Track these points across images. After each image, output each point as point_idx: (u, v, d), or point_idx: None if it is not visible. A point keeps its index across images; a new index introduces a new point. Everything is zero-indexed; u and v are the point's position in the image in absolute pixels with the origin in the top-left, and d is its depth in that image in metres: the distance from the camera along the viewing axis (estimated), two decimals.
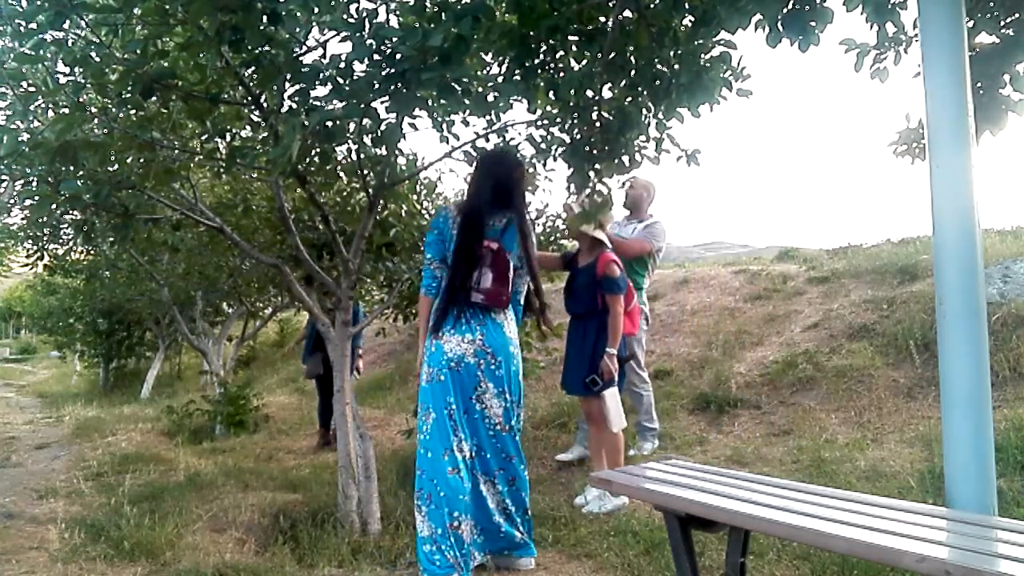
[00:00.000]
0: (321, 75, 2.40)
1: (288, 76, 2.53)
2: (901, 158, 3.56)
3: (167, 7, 2.30)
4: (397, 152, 3.60)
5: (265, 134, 3.10)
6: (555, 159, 3.38)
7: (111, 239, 4.55)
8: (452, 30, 2.04)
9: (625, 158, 3.05)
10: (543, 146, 3.39)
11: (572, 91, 2.83)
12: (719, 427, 4.69)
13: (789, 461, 3.86)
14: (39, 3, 2.24)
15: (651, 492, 2.12)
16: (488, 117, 3.34)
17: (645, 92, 2.95)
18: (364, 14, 2.27)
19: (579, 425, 4.56)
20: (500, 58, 2.87)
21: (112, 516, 3.55)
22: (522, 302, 3.08)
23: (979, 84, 2.84)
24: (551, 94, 2.96)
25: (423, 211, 4.44)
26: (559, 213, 4.63)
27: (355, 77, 2.30)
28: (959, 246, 1.85)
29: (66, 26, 2.54)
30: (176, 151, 3.16)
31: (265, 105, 2.85)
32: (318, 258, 4.15)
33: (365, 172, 3.45)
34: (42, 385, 15.92)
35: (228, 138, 3.33)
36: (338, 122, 2.52)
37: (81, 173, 3.02)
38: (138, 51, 2.40)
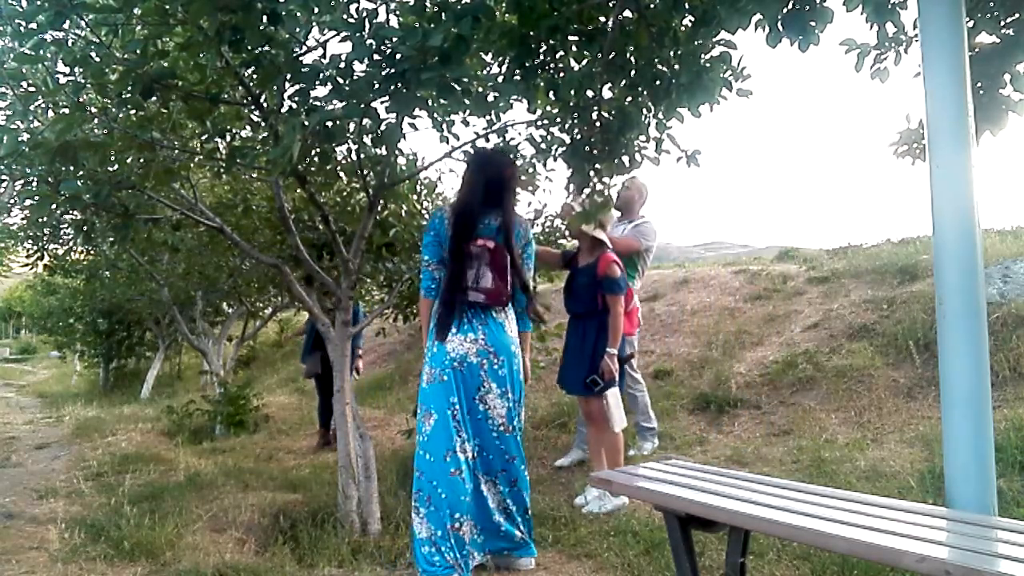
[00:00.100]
0: (321, 75, 2.40)
1: (288, 76, 2.53)
2: (902, 159, 3.56)
3: (167, 7, 2.30)
4: (397, 152, 3.60)
5: (265, 134, 3.10)
6: (555, 159, 3.38)
7: (111, 239, 4.55)
8: (452, 30, 2.05)
9: (625, 158, 3.06)
10: (543, 146, 3.39)
11: (572, 91, 2.83)
12: (719, 427, 4.69)
13: (789, 461, 3.86)
14: (39, 3, 2.24)
15: (651, 492, 2.12)
16: (488, 117, 3.34)
17: (645, 92, 2.95)
18: (364, 14, 2.27)
19: (577, 427, 4.56)
20: (500, 58, 2.88)
21: (112, 516, 3.55)
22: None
23: (979, 84, 2.84)
24: (551, 94, 2.96)
25: (423, 211, 4.44)
26: (558, 213, 4.63)
27: (355, 77, 2.30)
28: (959, 246, 1.85)
29: (66, 26, 2.54)
30: (176, 151, 3.16)
31: (265, 105, 2.85)
32: (318, 258, 4.15)
33: (365, 172, 3.45)
34: (42, 385, 15.93)
35: (228, 138, 3.33)
36: (338, 122, 2.52)
37: (81, 173, 3.02)
38: (138, 51, 2.40)
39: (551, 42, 2.80)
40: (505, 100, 3.10)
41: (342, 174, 3.65)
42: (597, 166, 3.07)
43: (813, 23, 2.51)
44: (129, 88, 2.47)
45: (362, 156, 3.33)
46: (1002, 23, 2.83)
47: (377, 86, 2.23)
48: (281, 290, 7.33)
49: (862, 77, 3.29)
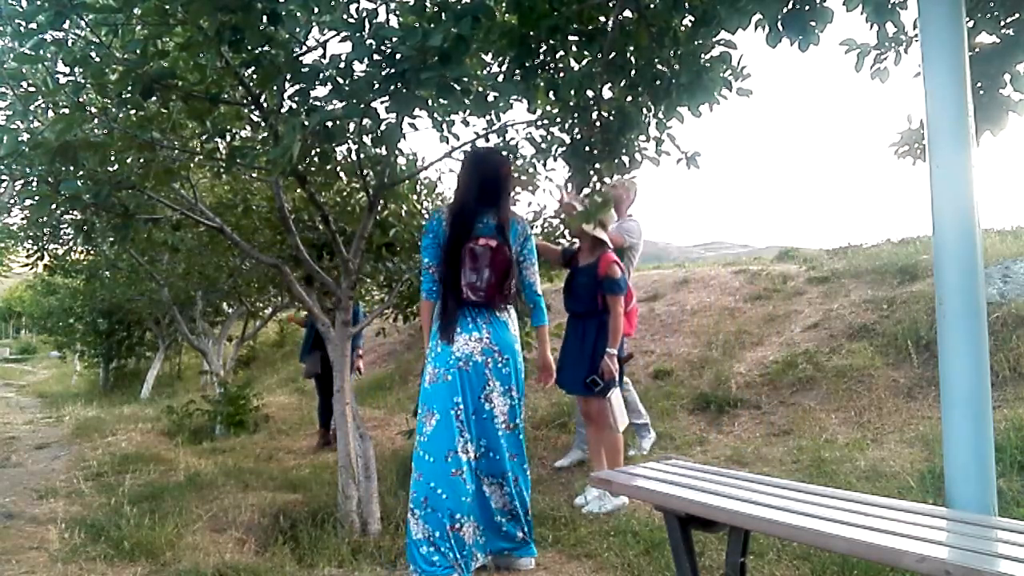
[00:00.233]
0: (321, 75, 2.40)
1: (288, 76, 2.53)
2: (903, 159, 3.56)
3: (167, 7, 2.30)
4: (397, 152, 3.60)
5: (265, 134, 3.10)
6: (555, 159, 3.38)
7: (111, 239, 4.55)
8: (452, 30, 2.04)
9: (625, 158, 3.06)
10: (543, 146, 3.39)
11: (572, 91, 2.83)
12: (719, 427, 4.69)
13: (789, 461, 3.86)
14: (39, 3, 2.24)
15: (651, 492, 2.12)
16: (488, 117, 3.34)
17: (645, 92, 2.95)
18: (364, 14, 2.27)
19: (576, 428, 4.56)
20: (500, 58, 2.87)
21: (112, 516, 3.55)
22: (540, 291, 3.05)
23: (979, 84, 2.84)
24: (551, 94, 2.96)
25: (423, 211, 4.44)
26: (556, 212, 4.63)
27: (355, 77, 2.30)
28: (959, 246, 1.85)
29: (66, 26, 2.54)
30: (176, 151, 3.16)
31: (265, 105, 2.85)
32: (318, 258, 4.15)
33: (365, 172, 3.45)
34: (42, 385, 15.93)
35: (228, 138, 3.33)
36: (338, 122, 2.52)
37: (81, 173, 3.02)
38: (138, 51, 2.40)
39: (551, 42, 2.80)
40: (505, 100, 3.09)
41: (342, 174, 3.65)
42: (597, 166, 3.07)
43: (813, 23, 2.51)
44: (129, 88, 2.47)
45: (362, 156, 3.33)
46: (1002, 23, 2.83)
47: (377, 86, 2.23)
48: (281, 290, 7.33)
49: (862, 77, 3.29)
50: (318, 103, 2.43)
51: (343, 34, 2.34)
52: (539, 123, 3.42)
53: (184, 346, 12.73)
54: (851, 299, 5.84)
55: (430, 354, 2.85)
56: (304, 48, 2.62)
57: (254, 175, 4.03)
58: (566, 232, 4.57)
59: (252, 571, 2.84)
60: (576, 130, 3.17)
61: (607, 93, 3.02)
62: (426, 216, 4.36)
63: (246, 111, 2.99)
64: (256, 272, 6.47)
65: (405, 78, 2.15)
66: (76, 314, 13.08)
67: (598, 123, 2.98)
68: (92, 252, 7.73)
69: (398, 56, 2.14)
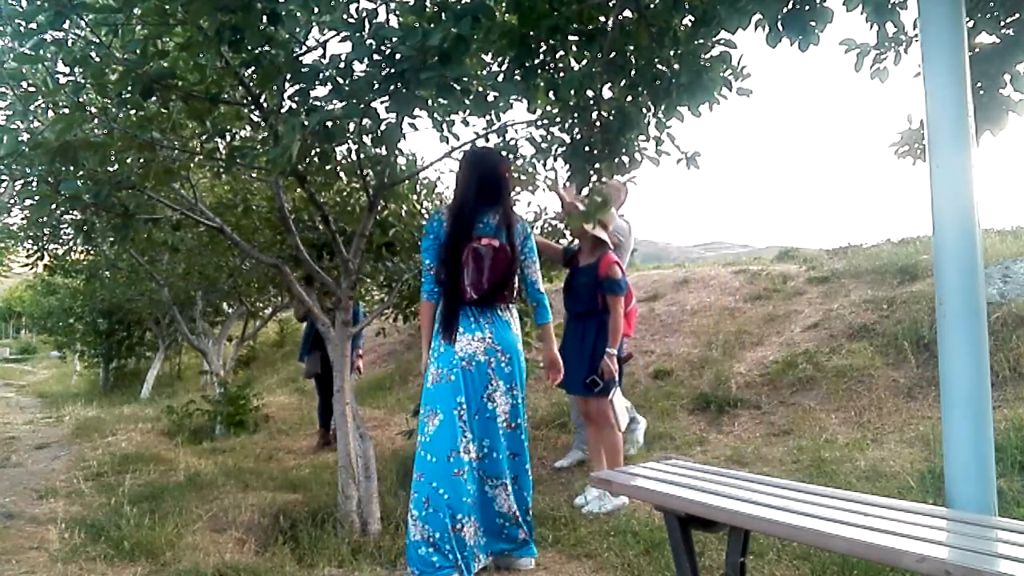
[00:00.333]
0: (321, 75, 2.40)
1: (288, 76, 2.53)
2: (903, 159, 3.56)
3: (167, 7, 2.30)
4: (397, 152, 3.60)
5: (265, 134, 3.10)
6: (555, 159, 3.38)
7: (111, 239, 4.55)
8: (452, 30, 2.04)
9: (625, 158, 3.05)
10: (543, 146, 3.39)
11: (572, 91, 2.83)
12: (719, 427, 4.69)
13: (789, 461, 3.86)
14: (39, 3, 2.24)
15: (651, 492, 2.12)
16: (488, 117, 3.34)
17: (645, 92, 2.95)
18: (364, 14, 2.27)
19: (576, 428, 4.56)
20: (500, 58, 2.87)
21: (112, 516, 3.55)
22: (542, 290, 3.06)
23: (979, 84, 2.84)
24: (551, 94, 2.96)
25: (423, 211, 4.44)
26: (556, 213, 4.63)
27: (355, 77, 2.29)
28: (959, 246, 1.85)
29: (66, 26, 2.54)
30: (176, 151, 3.16)
31: (265, 105, 2.85)
32: (318, 258, 4.15)
33: (365, 172, 3.45)
34: (42, 385, 15.92)
35: (228, 138, 3.33)
36: (338, 122, 2.52)
37: (81, 173, 3.02)
38: (138, 51, 2.40)
39: (551, 42, 2.80)
40: (505, 100, 3.09)
41: (342, 174, 3.65)
42: (597, 166, 3.07)
43: (813, 23, 2.51)
44: (129, 88, 2.47)
45: (362, 156, 3.33)
46: (1002, 23, 2.83)
47: (377, 86, 2.23)
48: (281, 290, 7.34)
49: (862, 77, 3.29)
50: (318, 103, 2.43)
51: (343, 34, 2.34)
52: (539, 123, 3.42)
53: (184, 346, 12.73)
54: (851, 299, 5.84)
55: (433, 354, 2.85)
56: (304, 48, 2.61)
57: (254, 175, 4.03)
58: (567, 233, 4.57)
59: (252, 571, 2.84)
60: (576, 130, 3.16)
61: (607, 93, 3.02)
62: (426, 216, 4.36)
63: (246, 111, 2.99)
64: (256, 272, 6.47)
65: (405, 78, 2.15)
66: (76, 314, 13.08)
67: (598, 123, 2.98)
68: (92, 252, 7.73)
69: (398, 56, 2.14)
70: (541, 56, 2.84)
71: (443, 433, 2.73)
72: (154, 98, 2.55)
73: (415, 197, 4.44)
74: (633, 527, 3.14)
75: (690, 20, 2.75)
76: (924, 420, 4.02)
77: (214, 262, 6.32)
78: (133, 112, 2.84)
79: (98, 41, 2.57)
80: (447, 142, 3.51)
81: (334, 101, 2.35)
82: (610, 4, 2.71)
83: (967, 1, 2.48)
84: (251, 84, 2.73)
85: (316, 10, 2.42)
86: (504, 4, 2.75)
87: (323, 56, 2.58)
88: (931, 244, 1.97)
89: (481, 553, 2.77)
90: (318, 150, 2.82)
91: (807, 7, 2.50)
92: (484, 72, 3.07)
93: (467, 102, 2.74)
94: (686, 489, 2.07)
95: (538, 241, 3.34)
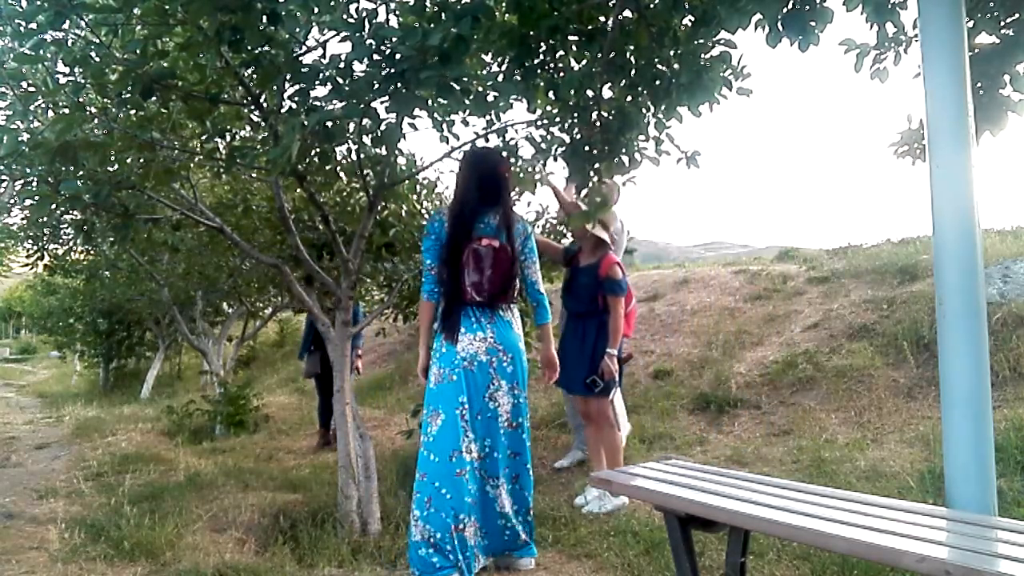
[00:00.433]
0: (321, 75, 2.40)
1: (288, 76, 2.53)
2: (902, 159, 3.56)
3: (167, 7, 2.30)
4: (397, 152, 3.60)
5: (265, 134, 3.10)
6: (555, 159, 3.38)
7: (111, 239, 4.55)
8: (452, 30, 2.04)
9: (625, 158, 3.05)
10: (543, 146, 3.39)
11: (572, 91, 2.83)
12: (719, 427, 4.69)
13: (789, 461, 3.86)
14: (39, 3, 2.24)
15: (651, 492, 2.12)
16: (488, 117, 3.34)
17: (645, 92, 2.95)
18: (364, 14, 2.27)
19: (575, 428, 4.56)
20: (500, 58, 2.87)
21: (112, 516, 3.55)
22: (542, 290, 3.06)
23: (979, 84, 2.84)
24: (551, 94, 2.96)
25: (423, 211, 4.44)
26: (557, 213, 4.63)
27: (355, 77, 2.30)
28: (959, 246, 1.85)
29: (66, 26, 2.54)
30: (176, 151, 3.16)
31: (265, 105, 2.85)
32: (318, 258, 4.15)
33: (365, 172, 3.45)
34: (42, 385, 15.92)
35: (228, 138, 3.33)
36: (338, 122, 2.52)
37: (81, 173, 3.02)
38: (138, 51, 2.40)
39: (551, 42, 2.80)
40: (505, 100, 3.09)
41: (342, 174, 3.65)
42: (597, 166, 3.06)
43: (813, 23, 2.51)
44: (129, 88, 2.47)
45: (362, 156, 3.33)
46: (1002, 23, 2.83)
47: (377, 86, 2.23)
48: (281, 290, 7.33)
49: (862, 77, 3.29)
50: (318, 103, 2.43)
51: (343, 34, 2.34)
52: (539, 123, 3.42)
53: (184, 346, 12.73)
54: (851, 299, 5.84)
55: (435, 354, 2.86)
56: (304, 48, 2.62)
57: (254, 175, 4.03)
58: (567, 234, 4.57)
59: (252, 571, 2.84)
60: (576, 130, 3.16)
61: (607, 93, 3.02)
62: (426, 216, 4.36)
63: (246, 111, 2.99)
64: (256, 272, 6.47)
65: (405, 78, 2.15)
66: (76, 314, 13.07)
67: (598, 123, 2.98)
68: (92, 252, 7.73)
69: (398, 56, 2.14)
70: (541, 56, 2.84)
71: (445, 433, 2.73)
72: (154, 98, 2.55)
73: (415, 197, 4.44)
74: (633, 527, 3.14)
75: (690, 20, 2.75)
76: (924, 420, 4.02)
77: (214, 262, 6.32)
78: (133, 112, 2.84)
79: (98, 41, 2.57)
80: (447, 142, 3.51)
81: (334, 101, 2.35)
82: (610, 4, 2.71)
83: (967, 1, 2.48)
84: (251, 84, 2.73)
85: (316, 10, 2.42)
86: (504, 4, 2.75)
87: (323, 56, 2.59)
88: (931, 244, 1.97)
89: (481, 554, 2.77)
90: (318, 150, 2.82)
91: (807, 7, 2.51)
92: (484, 72, 3.07)
93: (467, 102, 2.74)
94: (686, 489, 2.07)
95: (539, 241, 3.34)
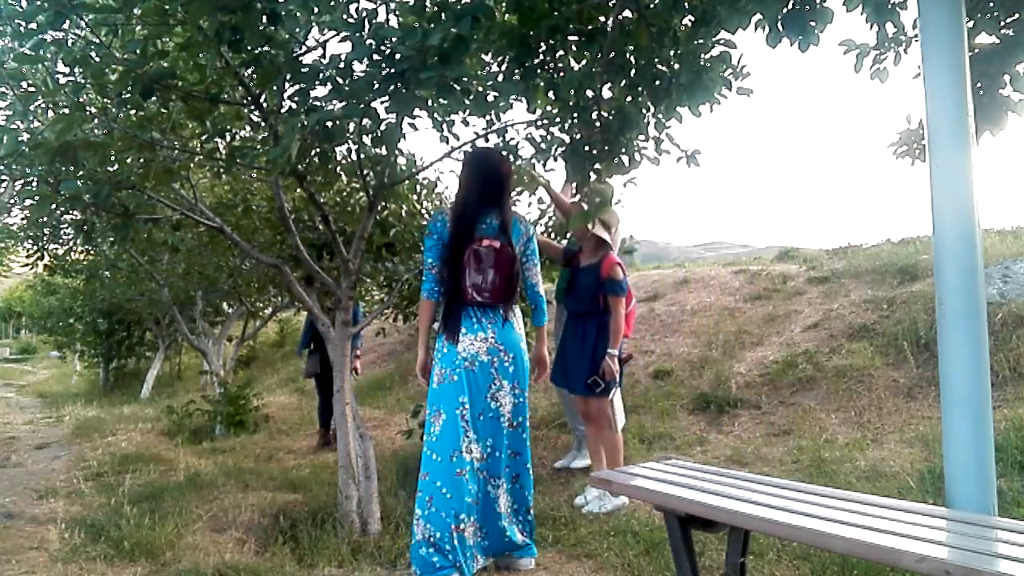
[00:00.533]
0: (321, 75, 2.40)
1: (288, 76, 2.53)
2: (901, 159, 3.56)
3: (167, 7, 2.30)
4: (397, 152, 3.60)
5: (265, 134, 3.10)
6: (555, 159, 3.39)
7: (111, 239, 4.55)
8: (452, 30, 2.04)
9: (625, 158, 3.05)
10: (543, 146, 3.39)
11: (572, 91, 2.83)
12: (719, 427, 4.69)
13: (789, 461, 3.86)
14: (39, 3, 2.24)
15: (651, 492, 2.12)
16: (488, 117, 3.34)
17: (645, 92, 2.95)
18: (364, 14, 2.27)
19: (575, 428, 4.55)
20: (500, 58, 2.87)
21: (112, 516, 3.55)
22: (542, 292, 3.07)
23: (979, 84, 2.84)
24: (551, 94, 2.96)
25: (423, 211, 4.44)
26: (553, 212, 4.64)
27: (355, 77, 2.29)
28: (959, 246, 1.85)
29: (66, 26, 2.54)
30: (176, 151, 3.16)
31: (265, 105, 2.85)
32: (318, 258, 4.15)
33: (365, 172, 3.45)
34: (42, 385, 15.92)
35: (228, 138, 3.33)
36: (338, 122, 2.52)
37: (81, 173, 3.02)
38: (138, 51, 2.40)
39: (551, 42, 2.80)
40: (505, 100, 3.09)
41: (342, 174, 3.65)
42: (597, 166, 3.06)
43: (813, 23, 2.51)
44: (129, 88, 2.47)
45: (362, 156, 3.33)
46: (1002, 23, 2.83)
47: (377, 86, 2.23)
48: (281, 290, 7.33)
49: (862, 77, 3.29)
50: (318, 103, 2.43)
51: (343, 34, 2.34)
52: (539, 123, 3.42)
53: (184, 346, 12.73)
54: (851, 299, 5.84)
55: (437, 355, 2.86)
56: (304, 48, 2.61)
57: (254, 175, 4.03)
58: (567, 233, 4.57)
59: (252, 571, 2.84)
60: (576, 130, 3.17)
61: (607, 93, 3.02)
62: (426, 216, 4.36)
63: (246, 111, 2.99)
64: (256, 272, 6.47)
65: (405, 78, 2.15)
66: (76, 314, 13.07)
67: (598, 123, 2.98)
68: (92, 252, 7.73)
69: (398, 56, 2.14)
70: (541, 56, 2.84)
71: (447, 433, 2.74)
72: (154, 98, 2.54)
73: (415, 197, 4.44)
74: (633, 527, 3.14)
75: (690, 20, 2.75)
76: (924, 420, 4.02)
77: (214, 262, 6.32)
78: (133, 112, 2.84)
79: (98, 41, 2.56)
80: (447, 142, 3.51)
81: (334, 101, 2.35)
82: (610, 4, 2.71)
83: (967, 1, 2.48)
84: (251, 84, 2.73)
85: (316, 10, 2.42)
86: (504, 4, 2.75)
87: (323, 56, 2.59)
88: (931, 244, 1.97)
89: (480, 554, 2.77)
90: (318, 150, 2.81)
91: (807, 7, 2.51)
92: (484, 72, 3.07)
93: (467, 102, 2.74)
94: (686, 489, 2.07)
95: (540, 241, 3.35)
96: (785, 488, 2.04)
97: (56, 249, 7.18)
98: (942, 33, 1.89)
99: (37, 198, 3.52)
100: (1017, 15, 2.79)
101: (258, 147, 3.20)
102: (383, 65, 2.19)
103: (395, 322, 5.67)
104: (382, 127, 2.56)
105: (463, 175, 2.97)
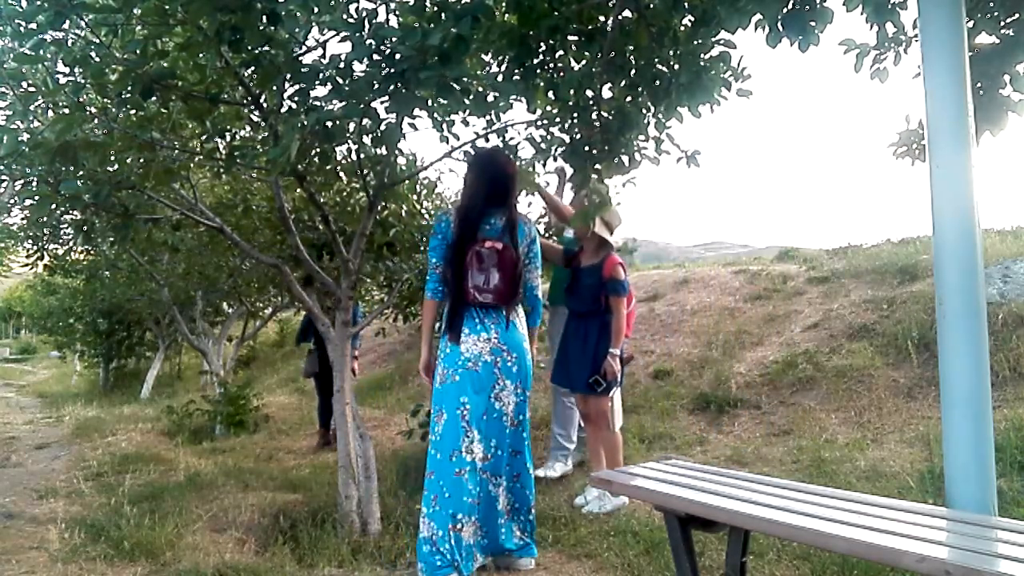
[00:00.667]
0: (321, 75, 2.40)
1: (288, 76, 2.53)
2: (901, 159, 3.56)
3: (167, 7, 2.30)
4: (397, 152, 3.60)
5: (265, 134, 3.10)
6: (555, 159, 3.38)
7: (111, 239, 4.55)
8: (452, 30, 2.04)
9: (625, 158, 3.05)
10: (543, 146, 3.39)
11: (572, 91, 2.83)
12: (719, 427, 4.69)
13: (789, 461, 3.86)
14: (39, 3, 2.24)
15: (651, 492, 2.12)
16: (488, 117, 3.34)
17: (645, 92, 2.95)
18: (364, 14, 2.27)
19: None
20: (500, 58, 2.87)
21: (112, 516, 3.55)
22: (540, 295, 3.07)
23: (979, 84, 2.84)
24: (551, 94, 2.96)
25: (423, 211, 4.44)
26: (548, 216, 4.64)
27: (355, 77, 2.29)
28: (959, 246, 1.85)
29: (66, 26, 2.53)
30: (176, 151, 3.16)
31: (265, 105, 2.85)
32: (318, 258, 4.15)
33: (365, 172, 3.45)
34: (42, 385, 15.93)
35: (228, 138, 3.33)
36: (338, 122, 2.52)
37: (81, 173, 3.02)
38: (138, 51, 2.40)
39: (551, 42, 2.80)
40: (505, 100, 3.09)
41: (342, 174, 3.65)
42: (597, 166, 3.07)
43: (813, 23, 2.51)
44: (129, 88, 2.47)
45: (362, 156, 3.33)
46: (1002, 23, 2.83)
47: (377, 86, 2.23)
48: (281, 290, 7.34)
49: (862, 77, 3.29)
50: (318, 103, 2.43)
51: (343, 34, 2.34)
52: (539, 123, 3.42)
53: (184, 346, 12.73)
54: (851, 299, 5.84)
55: (440, 355, 2.87)
56: (304, 48, 2.61)
57: (254, 175, 4.03)
58: (555, 232, 4.57)
59: (252, 571, 2.84)
60: (576, 130, 3.16)
61: (607, 93, 3.02)
62: (426, 216, 4.36)
63: (246, 111, 2.99)
64: (256, 272, 6.47)
65: (405, 78, 2.15)
66: (76, 314, 13.08)
67: (598, 123, 2.98)
68: (92, 252, 7.73)
69: (398, 56, 2.14)
70: (541, 56, 2.84)
71: (448, 433, 2.76)
72: (154, 98, 2.54)
73: (415, 197, 4.44)
74: (633, 527, 3.14)
75: (690, 20, 2.75)
76: (924, 420, 4.02)
77: (214, 262, 6.32)
78: (133, 112, 2.84)
79: (98, 41, 2.56)
80: (447, 142, 3.51)
81: (334, 101, 2.35)
82: (610, 4, 2.71)
83: (967, 1, 2.48)
84: (251, 84, 2.73)
85: (316, 10, 2.42)
86: (504, 4, 2.75)
87: (323, 56, 2.59)
88: (931, 244, 1.97)
89: (480, 553, 2.78)
90: (318, 150, 2.82)
91: (807, 7, 2.51)
92: (484, 72, 3.07)
93: (467, 102, 2.74)
94: (686, 489, 2.07)
95: (540, 243, 3.35)
96: (785, 488, 2.04)
97: (56, 249, 7.19)
98: (942, 33, 1.89)
99: (37, 198, 3.52)
100: (1017, 15, 2.79)
101: (258, 147, 3.20)
102: (383, 65, 2.19)
103: (395, 322, 5.66)
104: (382, 127, 2.56)
105: (469, 175, 2.98)
